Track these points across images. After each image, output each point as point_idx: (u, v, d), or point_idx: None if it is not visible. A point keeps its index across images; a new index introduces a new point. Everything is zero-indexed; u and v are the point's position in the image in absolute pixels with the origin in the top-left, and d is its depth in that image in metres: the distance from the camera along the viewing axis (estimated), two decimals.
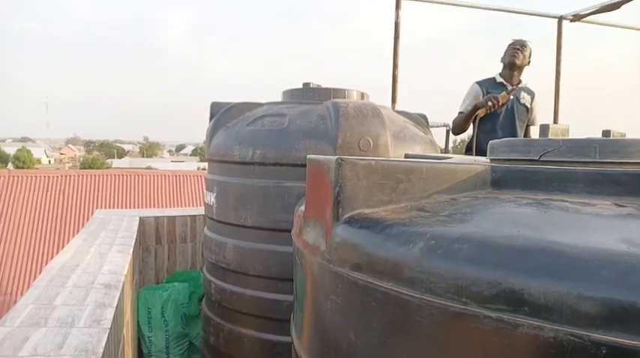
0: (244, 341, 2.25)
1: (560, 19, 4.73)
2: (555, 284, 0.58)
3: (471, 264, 0.64)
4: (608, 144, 0.98)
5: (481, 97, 3.30)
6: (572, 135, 1.20)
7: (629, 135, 1.15)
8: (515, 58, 3.30)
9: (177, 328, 2.92)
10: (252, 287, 2.24)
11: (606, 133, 1.25)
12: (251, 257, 2.23)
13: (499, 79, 3.37)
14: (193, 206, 12.05)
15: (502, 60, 3.39)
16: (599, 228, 0.68)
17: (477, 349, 0.64)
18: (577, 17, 4.52)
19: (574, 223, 0.71)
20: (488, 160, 1.18)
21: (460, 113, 3.42)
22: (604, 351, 0.55)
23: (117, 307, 1.57)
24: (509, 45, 3.36)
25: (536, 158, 1.01)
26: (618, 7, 3.99)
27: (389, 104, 4.00)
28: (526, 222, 0.71)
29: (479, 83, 3.41)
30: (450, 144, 3.71)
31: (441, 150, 3.06)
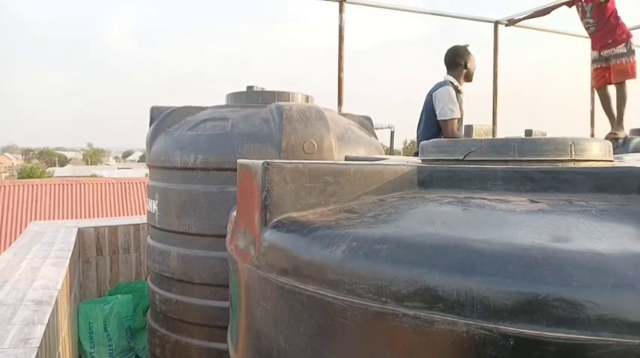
0: (191, 352, 2.20)
1: (496, 23, 4.99)
2: (466, 279, 0.60)
3: (389, 263, 0.65)
4: (526, 143, 1.03)
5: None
6: (506, 135, 1.25)
7: (555, 134, 1.22)
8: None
9: (121, 342, 2.80)
10: (198, 296, 2.18)
11: (528, 132, 1.32)
12: (196, 265, 2.18)
13: (457, 84, 3.41)
14: (140, 214, 11.63)
15: (464, 66, 3.39)
16: (511, 224, 0.72)
17: (398, 347, 0.65)
18: (512, 22, 4.78)
19: (489, 220, 0.74)
20: (420, 161, 1.21)
21: (454, 120, 3.28)
22: (512, 342, 0.57)
23: (48, 324, 1.48)
24: (469, 54, 3.40)
25: (461, 157, 1.04)
26: (549, 13, 4.28)
27: (336, 107, 4.04)
28: (445, 220, 0.74)
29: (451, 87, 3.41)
30: (400, 146, 3.73)
31: (386, 151, 3.11)
